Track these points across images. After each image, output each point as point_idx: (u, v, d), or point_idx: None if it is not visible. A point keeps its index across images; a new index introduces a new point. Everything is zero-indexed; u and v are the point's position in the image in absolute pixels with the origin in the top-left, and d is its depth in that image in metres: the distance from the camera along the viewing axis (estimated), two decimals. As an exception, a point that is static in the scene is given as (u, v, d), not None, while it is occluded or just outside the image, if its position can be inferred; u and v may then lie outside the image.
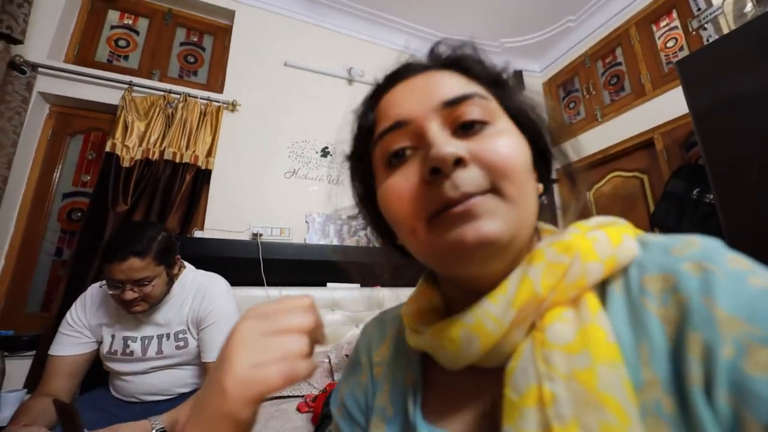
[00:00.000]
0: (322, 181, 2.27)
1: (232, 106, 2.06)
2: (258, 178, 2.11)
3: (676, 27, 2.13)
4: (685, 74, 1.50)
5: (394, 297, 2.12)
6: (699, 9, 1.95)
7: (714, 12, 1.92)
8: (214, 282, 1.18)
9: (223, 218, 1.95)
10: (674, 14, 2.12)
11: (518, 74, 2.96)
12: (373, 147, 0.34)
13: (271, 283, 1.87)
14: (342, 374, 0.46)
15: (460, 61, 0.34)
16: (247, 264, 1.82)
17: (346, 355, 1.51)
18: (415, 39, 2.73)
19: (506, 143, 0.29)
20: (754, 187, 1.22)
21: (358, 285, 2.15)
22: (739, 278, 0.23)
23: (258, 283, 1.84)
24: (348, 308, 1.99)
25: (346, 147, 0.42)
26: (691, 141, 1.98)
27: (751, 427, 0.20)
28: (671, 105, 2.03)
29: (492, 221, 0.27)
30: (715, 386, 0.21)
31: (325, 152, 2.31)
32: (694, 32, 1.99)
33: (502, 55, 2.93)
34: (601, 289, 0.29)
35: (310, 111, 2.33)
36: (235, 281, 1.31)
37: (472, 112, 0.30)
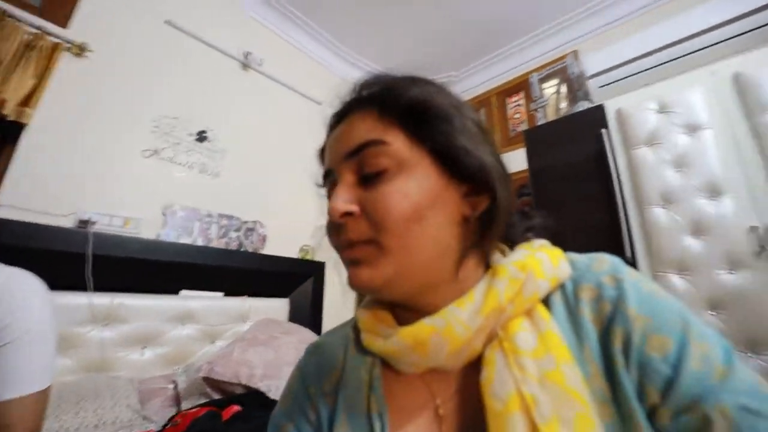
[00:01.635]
0: (193, 170, 1.93)
1: (79, 50, 1.55)
2: (99, 149, 1.63)
3: (521, 104, 2.77)
4: (528, 140, 1.98)
5: (260, 308, 1.95)
6: (536, 96, 2.61)
7: (543, 102, 2.59)
8: (21, 281, 0.80)
9: (34, 194, 1.41)
10: (522, 94, 2.76)
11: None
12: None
13: (101, 288, 1.45)
14: (279, 412, 0.42)
15: (376, 96, 0.36)
16: (65, 260, 1.37)
17: (204, 379, 1.28)
18: (319, 44, 2.70)
19: (391, 194, 0.32)
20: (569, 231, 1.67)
21: (221, 294, 1.89)
22: (637, 286, 0.31)
23: (80, 287, 1.40)
24: (204, 320, 1.72)
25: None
26: (522, 191, 2.57)
27: (650, 393, 0.27)
28: (512, 162, 2.60)
29: (367, 269, 0.32)
30: (630, 366, 0.28)
31: (201, 137, 1.99)
32: (531, 112, 2.63)
33: (394, 86, 3.19)
34: (545, 301, 0.34)
35: (191, 86, 1.98)
36: (45, 283, 0.95)
37: (368, 161, 0.33)
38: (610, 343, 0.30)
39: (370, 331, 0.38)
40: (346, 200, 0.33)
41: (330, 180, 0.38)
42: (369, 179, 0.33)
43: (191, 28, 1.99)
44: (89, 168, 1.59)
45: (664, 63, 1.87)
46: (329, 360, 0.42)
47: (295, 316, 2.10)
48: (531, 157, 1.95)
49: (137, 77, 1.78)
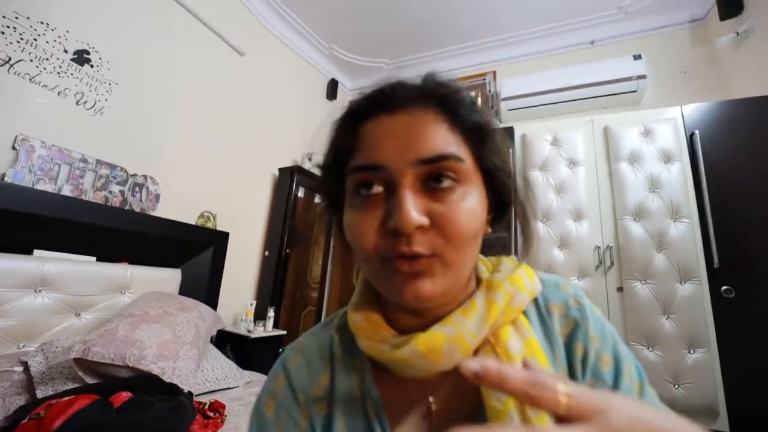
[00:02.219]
0: (66, 98, 1.50)
1: None
2: None
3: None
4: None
5: (145, 278, 1.68)
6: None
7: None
8: None
9: None
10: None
11: (333, 83, 3.15)
12: (349, 172, 0.35)
13: None
14: (264, 422, 0.39)
15: (448, 103, 0.34)
16: None
17: (78, 360, 1.05)
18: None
19: (466, 211, 0.32)
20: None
21: (93, 258, 1.56)
22: (593, 311, 0.39)
23: None
24: (66, 289, 1.41)
25: (321, 157, 0.40)
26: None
27: None
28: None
29: (429, 283, 0.32)
30: (585, 375, 0.36)
31: (82, 58, 1.55)
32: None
33: (326, 57, 3.03)
34: (522, 313, 0.40)
35: (72, -13, 1.51)
36: None
37: (445, 174, 0.32)
38: (572, 354, 0.37)
39: (371, 339, 0.37)
40: (419, 211, 0.31)
41: (374, 175, 0.33)
42: (438, 190, 0.32)
43: None
44: None
45: (561, 102, 2.27)
46: (315, 364, 0.41)
47: (186, 289, 1.86)
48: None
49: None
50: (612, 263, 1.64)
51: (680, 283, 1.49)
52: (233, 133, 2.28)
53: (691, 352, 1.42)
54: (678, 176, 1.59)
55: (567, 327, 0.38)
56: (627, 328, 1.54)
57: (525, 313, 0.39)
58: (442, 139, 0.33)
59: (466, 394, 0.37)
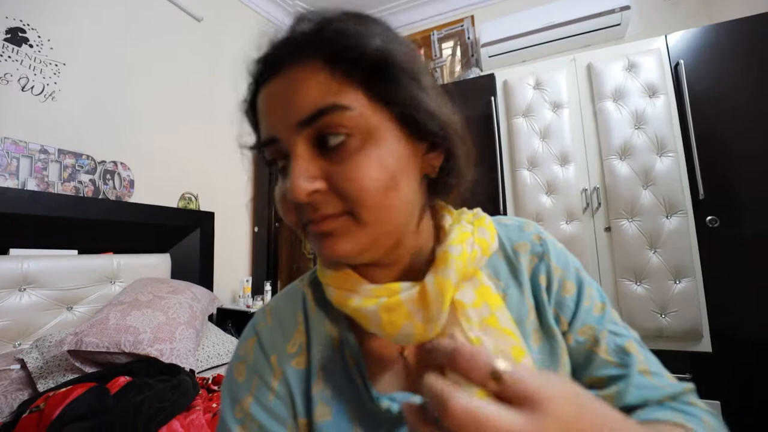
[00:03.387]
0: (8, 86, 1.38)
1: None
2: None
3: (421, 61, 2.84)
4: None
5: (134, 266, 1.66)
6: (436, 55, 2.71)
7: (441, 62, 2.73)
8: None
9: None
10: (422, 51, 2.82)
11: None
12: (257, 150, 0.36)
13: None
14: (234, 387, 0.38)
15: (326, 46, 0.30)
16: None
17: (72, 352, 1.05)
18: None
19: (362, 166, 0.29)
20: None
21: (74, 252, 1.53)
22: (554, 244, 0.42)
23: None
24: (52, 284, 1.39)
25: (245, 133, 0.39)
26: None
27: (562, 321, 0.39)
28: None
29: (343, 242, 0.31)
30: (550, 302, 0.40)
31: (18, 38, 1.41)
32: (431, 70, 2.74)
33: (291, 15, 2.82)
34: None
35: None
36: None
37: (328, 130, 0.29)
38: (537, 286, 0.40)
39: (340, 288, 0.35)
40: (310, 177, 0.29)
41: (274, 148, 0.32)
42: (331, 149, 0.30)
43: None
44: None
45: (542, 44, 2.16)
46: (289, 322, 0.40)
47: (179, 273, 1.85)
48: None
49: None
50: (599, 204, 1.64)
51: (666, 217, 1.50)
52: (201, 107, 2.16)
53: (677, 282, 1.47)
54: (663, 110, 1.55)
55: (532, 263, 0.41)
56: (615, 265, 1.57)
57: (493, 263, 0.41)
58: (317, 91, 0.29)
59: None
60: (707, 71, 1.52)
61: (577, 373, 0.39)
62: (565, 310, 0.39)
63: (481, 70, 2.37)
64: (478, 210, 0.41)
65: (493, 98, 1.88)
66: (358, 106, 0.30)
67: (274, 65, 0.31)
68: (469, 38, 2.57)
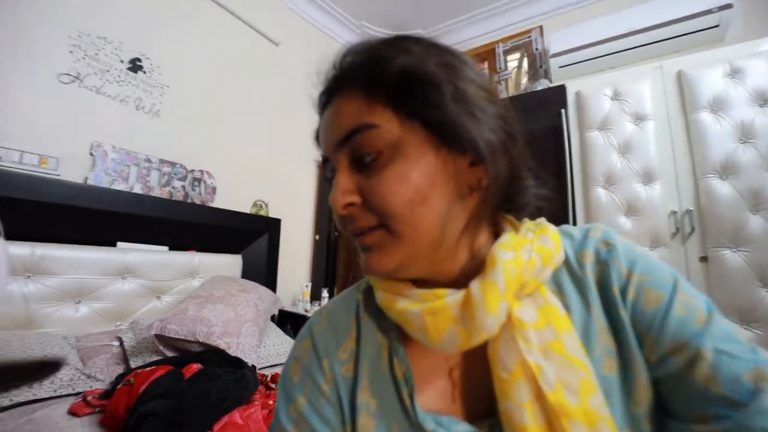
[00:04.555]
0: (127, 105, 1.65)
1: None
2: (6, 72, 1.31)
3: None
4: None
5: (211, 264, 1.84)
6: (500, 68, 2.64)
7: (506, 75, 2.65)
8: None
9: None
10: (486, 64, 2.78)
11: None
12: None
13: (17, 236, 1.23)
14: (289, 386, 0.39)
15: (359, 75, 0.33)
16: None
17: (157, 336, 1.20)
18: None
19: (388, 180, 0.31)
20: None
21: (166, 248, 1.73)
22: (628, 248, 0.35)
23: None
24: (147, 275, 1.58)
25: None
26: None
27: (646, 341, 0.31)
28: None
29: (380, 256, 0.32)
30: (628, 319, 0.32)
31: (136, 66, 1.68)
32: (495, 82, 2.68)
33: (359, 36, 2.97)
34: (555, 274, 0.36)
35: (120, 1, 1.64)
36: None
37: (361, 148, 0.32)
38: (610, 299, 0.33)
39: (388, 291, 0.36)
40: (346, 191, 0.32)
41: (329, 167, 0.36)
42: (365, 165, 0.32)
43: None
44: (-12, 88, 1.27)
45: (621, 51, 1.99)
46: (342, 327, 0.40)
47: (248, 274, 2.01)
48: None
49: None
50: (693, 229, 1.43)
51: (782, 247, 1.26)
52: (277, 122, 2.36)
53: (798, 327, 1.21)
54: (778, 120, 1.32)
55: (599, 273, 0.34)
56: (715, 304, 1.35)
57: (557, 277, 0.36)
58: (351, 114, 0.32)
59: (478, 362, 0.34)
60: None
61: (673, 408, 0.30)
62: (648, 326, 0.31)
63: (551, 82, 2.25)
64: (541, 219, 0.38)
65: (563, 110, 1.77)
66: (386, 124, 0.31)
67: (327, 98, 0.35)
68: (537, 49, 2.47)
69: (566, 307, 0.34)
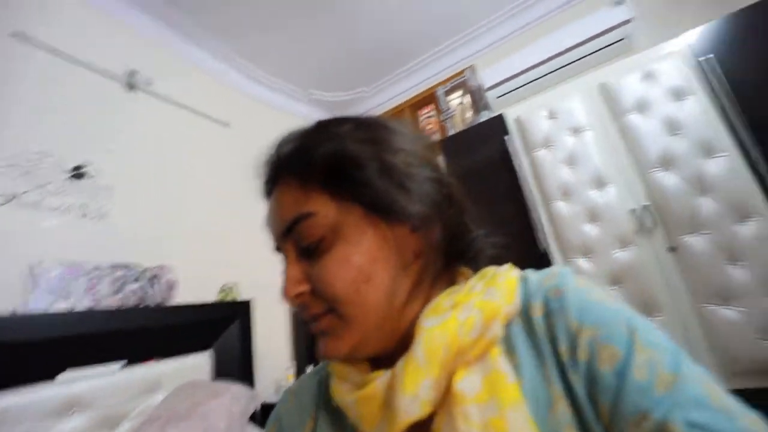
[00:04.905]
0: (69, 214, 1.59)
1: None
2: None
3: (432, 116, 2.93)
4: (443, 149, 2.09)
5: (175, 371, 1.65)
6: (444, 108, 2.79)
7: (450, 113, 2.79)
8: None
9: None
10: (432, 106, 2.93)
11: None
12: None
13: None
14: None
15: (294, 165, 0.35)
16: None
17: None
18: (221, 62, 2.49)
19: (332, 266, 0.32)
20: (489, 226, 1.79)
21: (118, 365, 1.56)
22: (579, 295, 0.31)
23: None
24: (97, 404, 1.36)
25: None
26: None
27: (602, 410, 0.27)
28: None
29: (334, 341, 0.33)
30: (581, 382, 0.28)
31: (78, 173, 1.65)
32: (442, 122, 2.81)
33: (308, 104, 3.11)
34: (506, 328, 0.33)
35: (60, 114, 1.64)
36: None
37: (302, 237, 0.33)
38: (561, 360, 0.29)
39: (340, 378, 0.36)
40: (294, 281, 0.33)
41: (280, 254, 0.37)
42: (311, 252, 0.33)
43: (52, 42, 1.66)
44: None
45: (547, 74, 2.15)
46: (306, 405, 0.41)
47: (221, 370, 1.83)
48: (447, 162, 2.06)
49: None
50: (654, 223, 1.45)
51: (739, 223, 1.28)
52: (236, 201, 2.32)
53: (782, 299, 1.19)
54: (696, 110, 1.41)
55: (550, 327, 0.31)
56: (692, 289, 1.33)
57: (509, 332, 0.33)
58: (290, 203, 0.34)
59: None
60: (744, 59, 1.37)
61: None
62: (603, 391, 0.26)
63: (492, 112, 2.38)
64: (505, 267, 0.36)
65: (505, 137, 1.84)
66: (322, 209, 0.32)
67: (268, 186, 0.38)
68: (473, 85, 2.64)
69: (517, 370, 0.30)
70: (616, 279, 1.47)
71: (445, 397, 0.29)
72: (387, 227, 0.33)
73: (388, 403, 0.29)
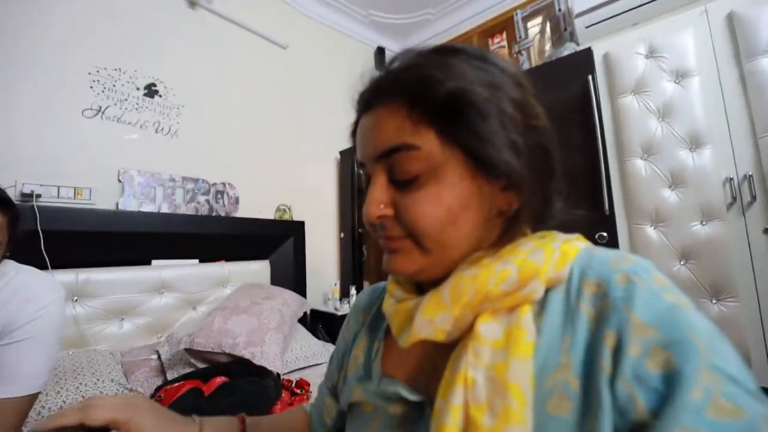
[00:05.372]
0: (147, 129, 1.74)
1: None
2: (33, 111, 1.43)
3: (504, 46, 2.59)
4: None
5: (241, 272, 1.91)
6: (520, 36, 2.43)
7: (527, 43, 2.43)
8: (46, 286, 0.82)
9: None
10: (504, 35, 2.57)
11: (380, 51, 3.00)
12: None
13: (62, 265, 1.35)
14: (342, 328, 0.55)
15: (405, 87, 0.33)
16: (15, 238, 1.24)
17: (187, 350, 1.27)
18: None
19: (424, 201, 0.33)
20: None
21: (196, 261, 1.83)
22: (655, 293, 0.28)
23: (37, 264, 1.29)
24: (182, 289, 1.67)
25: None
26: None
27: (639, 409, 0.25)
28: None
29: (404, 260, 0.35)
30: (618, 375, 0.26)
31: (151, 91, 1.76)
32: (515, 54, 2.48)
33: (367, 25, 2.89)
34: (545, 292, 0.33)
35: (130, 32, 1.71)
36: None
37: (400, 165, 0.33)
38: (600, 344, 0.28)
39: (388, 294, 0.41)
40: (379, 203, 0.34)
41: (364, 172, 0.38)
42: (402, 182, 0.34)
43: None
44: (27, 134, 1.40)
45: (654, 1, 1.74)
46: (369, 303, 0.51)
47: (277, 278, 2.07)
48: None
49: (58, 18, 1.51)
50: (753, 198, 1.23)
51: None
52: (292, 125, 2.38)
53: None
54: None
55: (600, 309, 0.29)
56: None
57: (548, 297, 0.33)
58: (393, 130, 0.33)
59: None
60: None
61: None
62: (646, 391, 0.25)
63: (578, 45, 2.03)
64: (571, 235, 0.36)
65: (590, 77, 1.58)
66: (427, 145, 0.32)
67: (368, 101, 0.36)
68: (560, 10, 2.23)
69: (539, 331, 0.31)
70: (688, 254, 1.32)
71: (468, 332, 0.32)
72: (483, 179, 0.33)
73: (412, 317, 0.34)
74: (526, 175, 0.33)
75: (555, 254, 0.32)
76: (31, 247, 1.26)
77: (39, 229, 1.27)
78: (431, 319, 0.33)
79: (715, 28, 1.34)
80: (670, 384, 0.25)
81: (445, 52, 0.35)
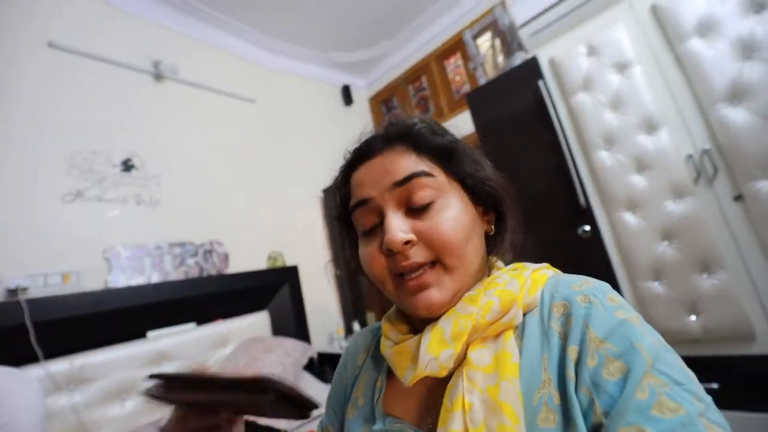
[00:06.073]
0: (128, 203, 1.77)
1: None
2: (11, 205, 1.45)
3: (460, 65, 2.71)
4: (471, 102, 1.96)
5: (240, 328, 1.89)
6: (473, 54, 2.56)
7: (480, 60, 2.56)
8: (20, 384, 0.81)
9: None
10: (459, 54, 2.70)
11: (345, 89, 3.13)
12: (351, 213, 0.43)
13: (55, 354, 1.34)
14: (334, 376, 0.56)
15: (410, 137, 0.41)
16: (4, 335, 1.24)
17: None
18: (240, 40, 2.48)
19: (447, 221, 0.37)
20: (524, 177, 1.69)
21: (194, 324, 1.81)
22: (609, 311, 0.33)
23: (29, 358, 1.28)
24: (181, 356, 1.65)
25: (333, 211, 0.50)
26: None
27: (597, 412, 0.29)
28: (463, 124, 2.57)
29: (437, 291, 0.37)
30: (580, 383, 0.31)
31: (128, 166, 1.81)
32: (471, 71, 2.59)
33: (329, 67, 3.02)
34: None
35: (101, 112, 1.78)
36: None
37: (418, 192, 0.38)
38: (567, 357, 0.33)
39: (385, 336, 0.43)
40: (404, 230, 0.37)
41: (364, 209, 0.41)
42: (416, 209, 0.38)
43: (82, 47, 1.76)
44: (9, 224, 1.42)
45: (586, 2, 1.85)
46: (364, 345, 0.53)
47: (278, 327, 2.05)
48: (475, 115, 1.94)
49: (30, 111, 1.57)
50: (716, 169, 1.27)
51: (830, 163, 1.07)
52: (271, 173, 2.43)
53: None
54: (781, 24, 1.14)
55: (566, 327, 0.34)
56: (763, 245, 1.17)
57: (526, 321, 0.38)
58: (409, 162, 0.40)
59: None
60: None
61: None
62: (601, 395, 0.29)
63: (527, 52, 2.13)
64: (539, 265, 0.43)
65: (541, 82, 1.66)
66: (440, 175, 0.40)
67: (370, 151, 0.42)
68: (504, 24, 2.37)
69: (521, 352, 0.36)
70: (669, 234, 1.34)
71: (462, 361, 0.36)
72: (473, 205, 0.42)
73: (415, 356, 0.36)
74: (500, 195, 0.44)
75: (527, 282, 0.38)
76: (20, 341, 1.26)
77: (27, 323, 1.27)
78: (436, 356, 0.35)
79: (643, 19, 1.43)
80: (621, 388, 0.29)
81: (436, 122, 0.45)
